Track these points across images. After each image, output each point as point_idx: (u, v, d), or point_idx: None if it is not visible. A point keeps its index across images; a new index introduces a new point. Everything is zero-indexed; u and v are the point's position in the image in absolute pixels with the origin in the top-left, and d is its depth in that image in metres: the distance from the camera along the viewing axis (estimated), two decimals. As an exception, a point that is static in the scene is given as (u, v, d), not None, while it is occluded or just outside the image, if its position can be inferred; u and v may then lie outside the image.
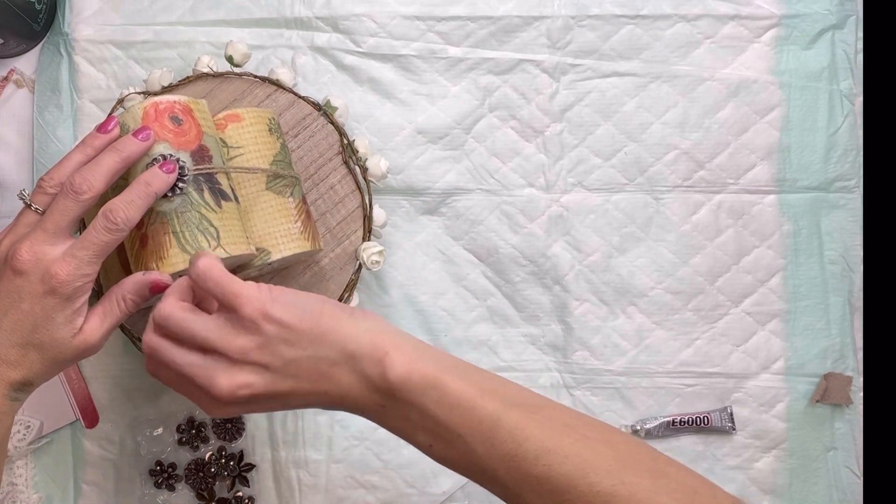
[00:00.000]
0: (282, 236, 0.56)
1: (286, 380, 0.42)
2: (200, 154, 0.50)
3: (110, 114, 0.63)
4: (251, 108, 0.58)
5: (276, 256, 0.55)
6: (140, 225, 0.49)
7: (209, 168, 0.50)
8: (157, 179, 0.47)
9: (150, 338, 0.44)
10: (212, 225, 0.49)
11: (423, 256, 0.68)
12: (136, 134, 0.48)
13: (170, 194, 0.48)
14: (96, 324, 0.47)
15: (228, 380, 0.41)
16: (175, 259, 0.48)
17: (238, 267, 0.55)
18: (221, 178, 0.52)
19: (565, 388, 0.67)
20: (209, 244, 0.49)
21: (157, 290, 0.47)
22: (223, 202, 0.51)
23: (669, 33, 0.69)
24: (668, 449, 0.66)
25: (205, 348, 0.42)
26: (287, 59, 0.68)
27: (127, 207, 0.46)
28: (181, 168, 0.48)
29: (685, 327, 0.67)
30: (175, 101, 0.51)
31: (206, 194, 0.50)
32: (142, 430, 0.66)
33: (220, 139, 0.55)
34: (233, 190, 0.53)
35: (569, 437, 0.41)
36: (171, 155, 0.48)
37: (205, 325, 0.42)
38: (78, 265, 0.45)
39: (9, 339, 0.45)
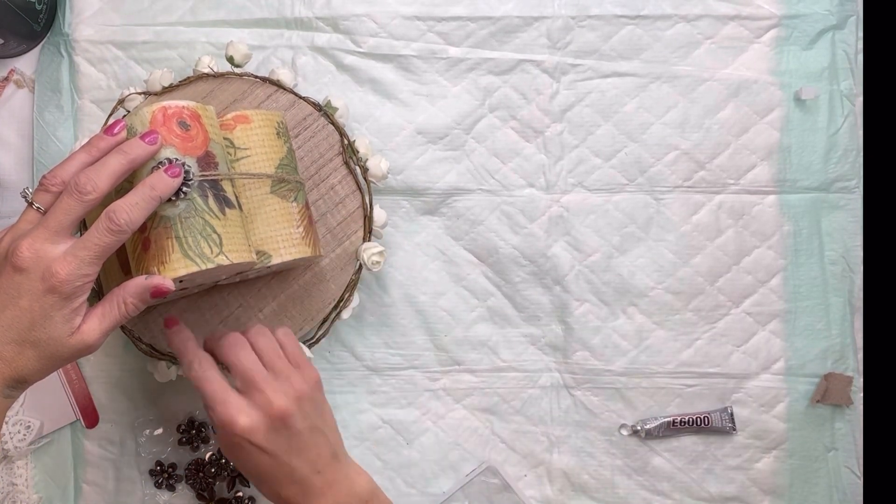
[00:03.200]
0: (283, 240, 0.56)
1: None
2: (206, 160, 0.50)
3: (111, 114, 0.63)
4: (261, 110, 0.57)
5: (276, 261, 0.55)
6: (143, 229, 0.48)
7: (215, 175, 0.50)
8: (161, 183, 0.47)
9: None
10: (215, 231, 0.49)
11: (424, 256, 0.68)
12: (143, 137, 0.48)
13: (174, 199, 0.48)
14: (95, 324, 0.46)
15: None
16: (177, 264, 0.47)
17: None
18: (226, 186, 0.51)
19: (565, 389, 0.67)
20: (212, 250, 0.48)
21: (158, 295, 0.47)
22: (227, 209, 0.50)
23: (670, 34, 0.69)
24: (669, 449, 0.66)
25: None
26: (287, 60, 0.68)
27: (130, 210, 0.45)
28: (186, 173, 0.48)
29: (685, 327, 0.67)
30: (184, 106, 0.50)
31: (211, 201, 0.49)
32: (142, 430, 0.66)
33: (228, 140, 0.55)
34: (236, 197, 0.53)
35: None
36: (177, 159, 0.48)
37: None
38: (78, 265, 0.44)
39: (5, 335, 0.44)
